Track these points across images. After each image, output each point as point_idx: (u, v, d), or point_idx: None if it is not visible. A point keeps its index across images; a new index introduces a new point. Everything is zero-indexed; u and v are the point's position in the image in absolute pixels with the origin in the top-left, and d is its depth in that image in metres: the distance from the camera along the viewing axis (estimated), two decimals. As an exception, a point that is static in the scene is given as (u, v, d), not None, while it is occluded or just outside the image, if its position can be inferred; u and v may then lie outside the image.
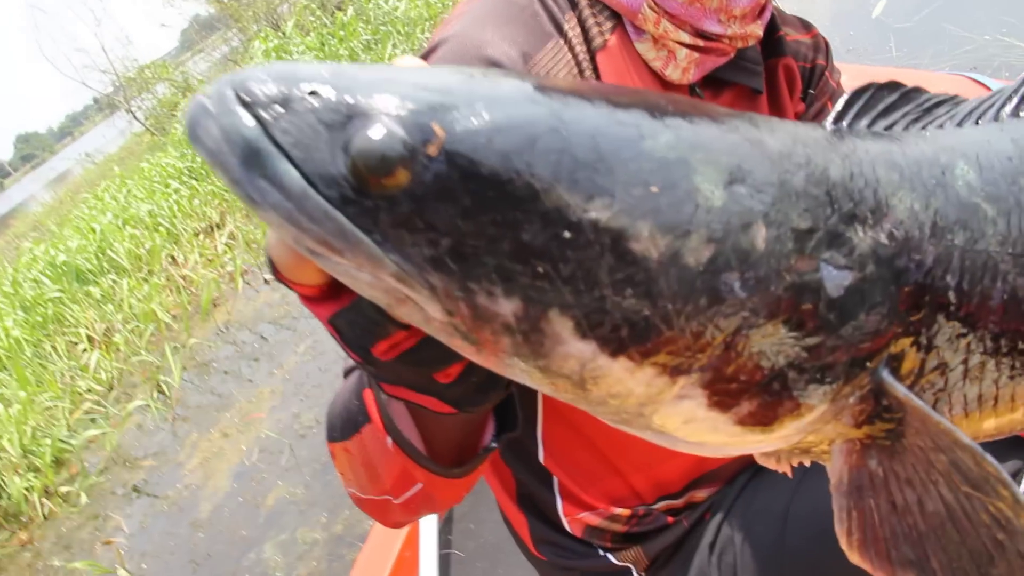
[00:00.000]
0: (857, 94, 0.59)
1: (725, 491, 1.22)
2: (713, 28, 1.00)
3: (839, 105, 0.58)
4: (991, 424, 0.57)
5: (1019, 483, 1.00)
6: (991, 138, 0.57)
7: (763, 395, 0.49)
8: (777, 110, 1.18)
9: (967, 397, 0.54)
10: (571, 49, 0.99)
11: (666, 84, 1.06)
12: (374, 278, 0.46)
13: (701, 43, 1.02)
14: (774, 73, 1.18)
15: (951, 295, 0.51)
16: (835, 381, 0.49)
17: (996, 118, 0.59)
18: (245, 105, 0.45)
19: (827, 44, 1.26)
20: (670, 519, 1.21)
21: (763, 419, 0.50)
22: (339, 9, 10.48)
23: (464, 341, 0.48)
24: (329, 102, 0.45)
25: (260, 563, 3.28)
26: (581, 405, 0.51)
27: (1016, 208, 0.54)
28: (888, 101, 0.59)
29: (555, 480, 1.20)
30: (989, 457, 0.49)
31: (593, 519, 1.20)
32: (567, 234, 0.44)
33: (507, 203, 0.44)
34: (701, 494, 1.22)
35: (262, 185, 0.44)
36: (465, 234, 0.44)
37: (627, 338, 0.46)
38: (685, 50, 1.02)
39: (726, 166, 0.47)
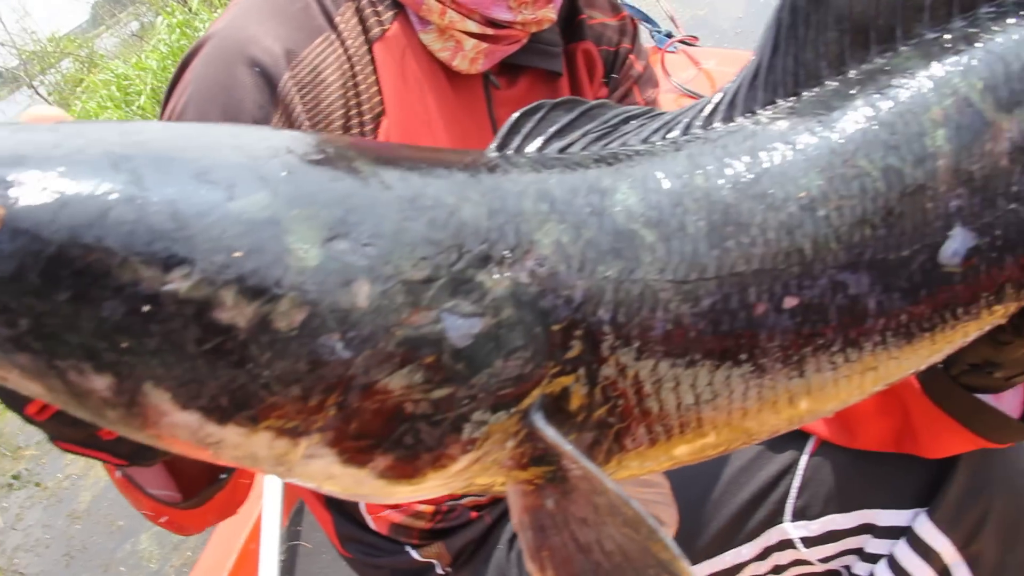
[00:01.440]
0: (526, 115, 0.56)
1: (528, 485, 1.20)
2: (503, 16, 0.97)
3: (503, 130, 0.55)
4: (684, 450, 0.55)
5: (794, 475, 1.00)
6: (667, 155, 0.54)
7: (397, 450, 0.47)
8: (577, 94, 1.16)
9: (649, 427, 0.53)
10: (343, 43, 0.96)
11: (454, 74, 1.03)
12: None
13: (490, 31, 0.99)
14: (573, 57, 1.16)
15: (607, 329, 0.49)
16: (477, 430, 0.47)
17: (686, 132, 0.57)
18: None
19: (635, 27, 1.24)
20: (473, 515, 1.19)
21: (405, 472, 0.48)
22: (246, -17, 10.20)
23: (79, 412, 0.45)
24: None
25: (135, 554, 3.20)
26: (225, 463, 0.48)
27: (679, 232, 0.51)
28: (564, 120, 0.56)
29: (355, 478, 1.17)
30: (634, 503, 0.47)
31: (397, 516, 1.17)
32: (147, 308, 0.42)
33: (80, 280, 0.42)
34: (506, 488, 1.20)
35: None
36: (42, 313, 0.41)
37: (230, 407, 0.44)
38: (472, 40, 0.99)
39: (326, 222, 0.45)
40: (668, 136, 0.57)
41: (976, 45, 0.56)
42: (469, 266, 0.47)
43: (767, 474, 1.02)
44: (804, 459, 1.01)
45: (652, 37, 2.86)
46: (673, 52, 2.70)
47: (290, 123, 0.93)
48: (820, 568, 1.03)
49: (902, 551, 0.96)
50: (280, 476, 0.48)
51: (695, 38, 2.82)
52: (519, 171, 0.52)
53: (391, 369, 0.45)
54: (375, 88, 0.98)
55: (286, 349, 0.43)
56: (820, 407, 0.56)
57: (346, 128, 0.97)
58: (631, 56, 1.23)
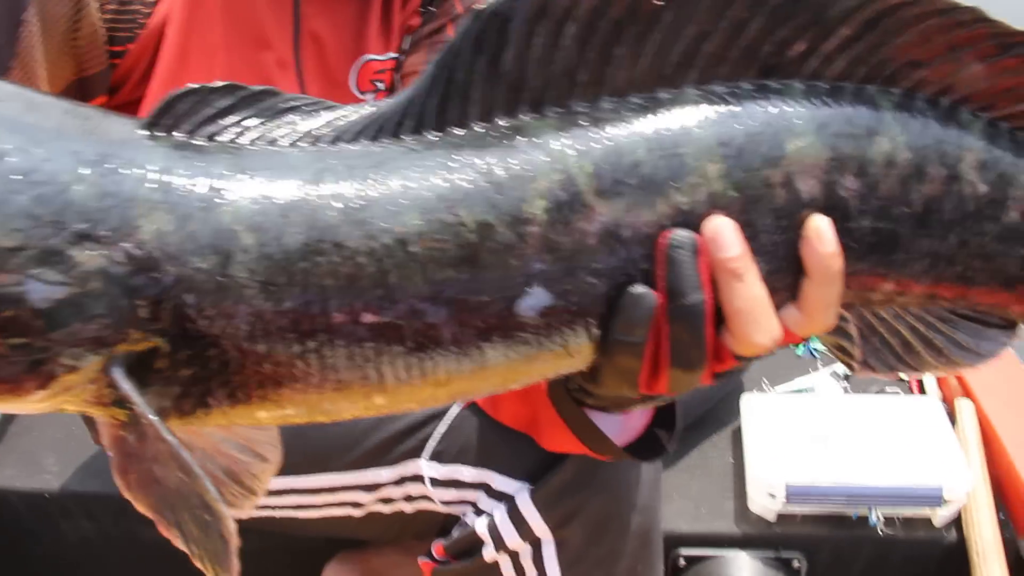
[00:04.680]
0: (182, 96, 0.58)
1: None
2: None
3: (155, 109, 0.58)
4: (265, 416, 0.61)
5: (442, 421, 1.10)
6: (297, 165, 0.58)
7: None
8: (387, 16, 1.18)
9: (231, 393, 0.59)
10: None
11: None
12: None
13: None
14: None
15: (192, 312, 0.55)
16: (52, 374, 0.53)
17: (334, 141, 0.59)
18: None
19: None
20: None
21: None
22: None
23: None
24: None
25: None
26: None
27: (275, 240, 0.55)
28: (221, 105, 0.58)
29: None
30: (184, 453, 0.54)
31: None
32: None
33: None
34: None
35: None
36: None
37: None
38: None
39: None
40: (315, 143, 0.59)
41: (604, 130, 0.60)
42: (64, 241, 0.52)
43: (422, 413, 1.11)
44: (455, 410, 1.10)
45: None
46: None
47: None
48: (442, 508, 1.13)
49: (500, 515, 1.06)
50: None
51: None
52: (149, 155, 0.55)
53: None
54: None
55: None
56: (395, 405, 0.62)
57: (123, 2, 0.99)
58: None
